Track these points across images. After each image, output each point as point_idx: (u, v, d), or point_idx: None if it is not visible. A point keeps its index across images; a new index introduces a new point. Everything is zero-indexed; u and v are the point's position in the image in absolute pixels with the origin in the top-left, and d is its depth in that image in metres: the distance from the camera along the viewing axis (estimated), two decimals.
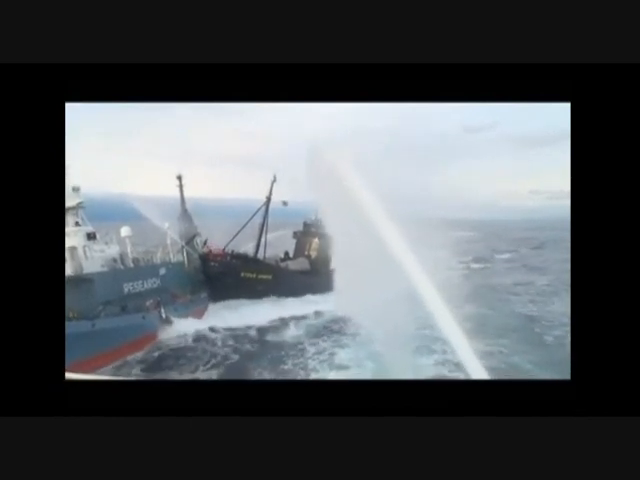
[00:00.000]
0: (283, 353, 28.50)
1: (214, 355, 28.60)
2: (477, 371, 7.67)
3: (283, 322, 35.64)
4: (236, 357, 28.36)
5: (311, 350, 28.48)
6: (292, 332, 33.43)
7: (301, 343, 30.08)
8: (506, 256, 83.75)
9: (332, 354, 27.49)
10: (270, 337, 32.56)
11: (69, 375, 5.15)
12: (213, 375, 25.13)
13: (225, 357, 28.31)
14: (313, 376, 23.95)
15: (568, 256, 5.83)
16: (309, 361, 26.54)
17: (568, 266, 5.98)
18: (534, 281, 52.42)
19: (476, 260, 73.35)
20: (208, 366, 26.84)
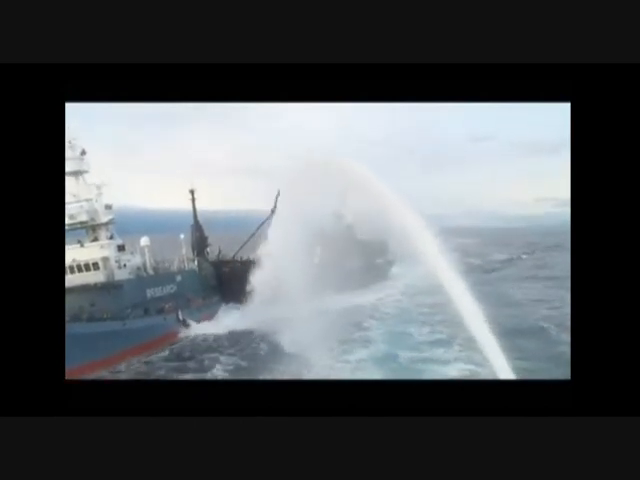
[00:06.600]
0: (290, 353, 28.53)
1: (222, 355, 29.01)
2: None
3: (290, 322, 35.87)
4: (245, 358, 28.57)
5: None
6: (299, 332, 33.56)
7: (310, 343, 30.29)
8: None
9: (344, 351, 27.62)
10: (277, 338, 32.73)
11: (69, 376, 5.16)
12: (223, 375, 25.39)
13: (234, 357, 28.63)
14: (321, 374, 23.97)
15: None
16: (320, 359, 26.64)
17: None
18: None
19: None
20: (218, 367, 27.25)
